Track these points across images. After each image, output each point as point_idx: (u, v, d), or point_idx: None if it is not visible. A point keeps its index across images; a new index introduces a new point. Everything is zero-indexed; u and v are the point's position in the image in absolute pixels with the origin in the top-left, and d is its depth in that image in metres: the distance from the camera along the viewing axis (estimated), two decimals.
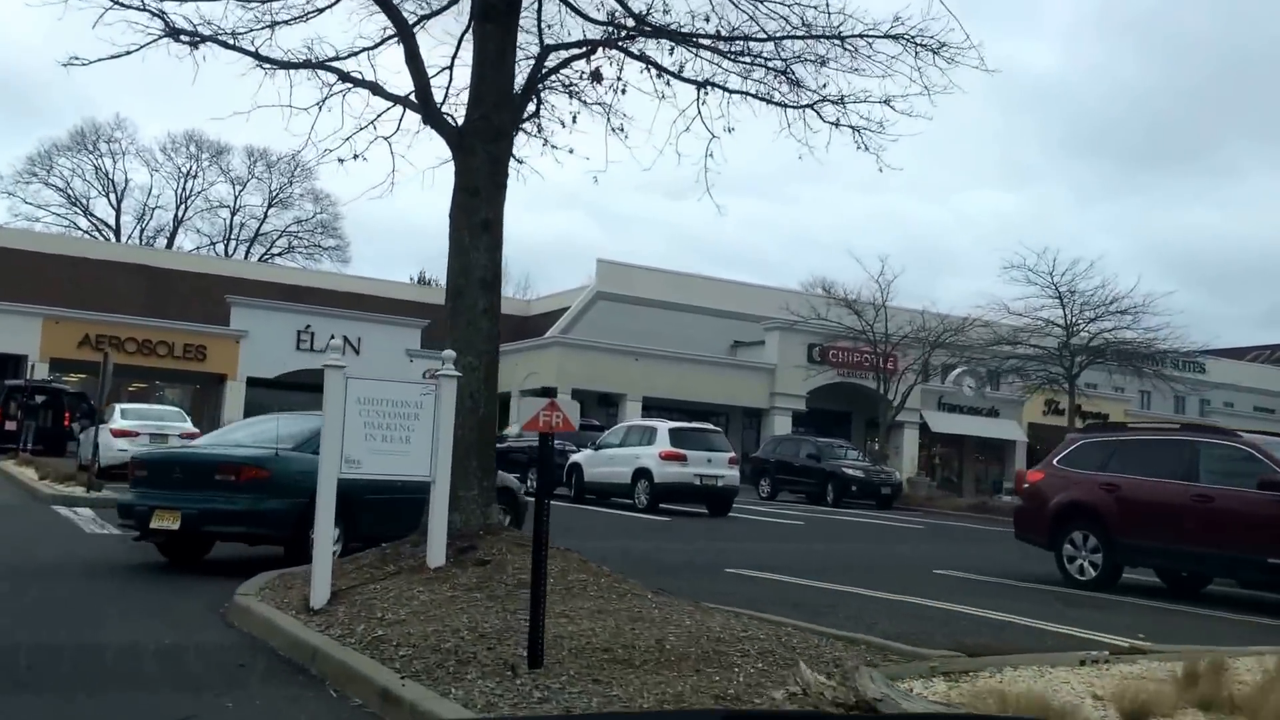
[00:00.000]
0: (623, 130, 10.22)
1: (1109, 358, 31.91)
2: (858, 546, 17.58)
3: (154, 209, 71.60)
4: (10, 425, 32.48)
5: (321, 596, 7.39)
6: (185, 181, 72.15)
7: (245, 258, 66.89)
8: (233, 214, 73.81)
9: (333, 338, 9.34)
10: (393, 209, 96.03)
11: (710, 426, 24.13)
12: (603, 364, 42.11)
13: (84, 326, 39.27)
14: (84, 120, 77.09)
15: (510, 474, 21.27)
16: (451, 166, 9.04)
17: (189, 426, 24.31)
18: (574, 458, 24.45)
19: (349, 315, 43.82)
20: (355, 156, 10.16)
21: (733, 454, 22.74)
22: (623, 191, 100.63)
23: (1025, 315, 30.50)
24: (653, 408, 41.98)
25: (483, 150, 8.80)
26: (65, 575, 10.02)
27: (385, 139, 10.13)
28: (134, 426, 23.09)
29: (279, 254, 70.37)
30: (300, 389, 44.00)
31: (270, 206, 73.83)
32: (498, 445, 21.35)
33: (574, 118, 10.16)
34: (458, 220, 8.86)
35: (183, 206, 71.96)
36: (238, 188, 73.10)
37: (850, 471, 29.18)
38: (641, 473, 21.82)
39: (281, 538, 10.23)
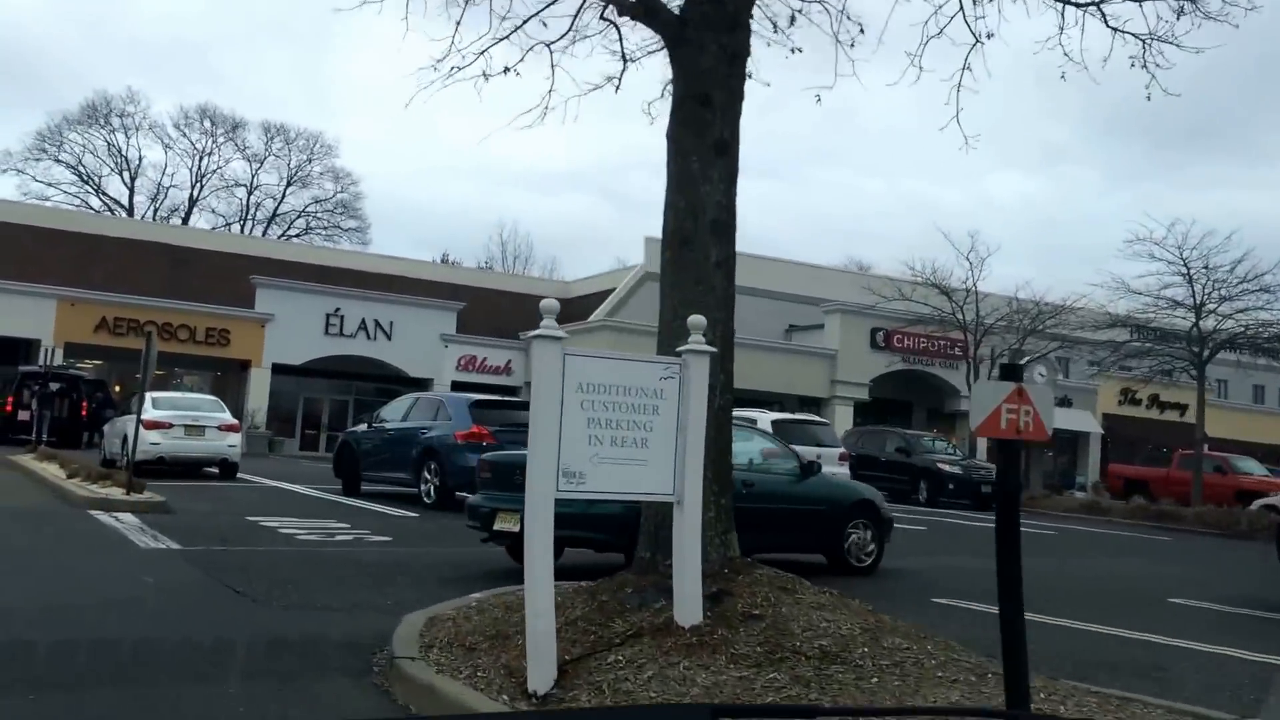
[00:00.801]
0: (851, 42, 7.89)
1: (1244, 344, 29.16)
2: (1028, 562, 15.18)
3: (168, 187, 69.34)
4: (24, 415, 30.35)
5: (545, 677, 5.09)
6: (200, 159, 70.07)
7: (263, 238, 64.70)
8: (249, 193, 71.51)
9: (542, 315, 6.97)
10: (412, 190, 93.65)
11: (816, 418, 21.81)
12: (651, 348, 39.79)
13: (101, 309, 37.05)
14: (95, 93, 74.67)
15: (381, 471, 18.02)
16: (636, 80, 6.76)
17: (227, 417, 22.07)
18: None
19: (380, 297, 41.54)
20: (506, 70, 7.84)
21: (843, 449, 20.44)
22: (635, 173, 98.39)
23: (1146, 294, 27.78)
24: None
25: (715, 45, 6.49)
26: (143, 615, 7.80)
27: (547, 45, 7.81)
28: (167, 417, 20.83)
29: (296, 235, 68.13)
30: (329, 376, 41.84)
31: (289, 185, 71.65)
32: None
33: (792, 18, 7.83)
34: (682, 142, 6.56)
35: (198, 185, 69.81)
36: (254, 165, 70.90)
37: (947, 468, 26.82)
38: None
39: (621, 545, 9.52)
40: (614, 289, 44.66)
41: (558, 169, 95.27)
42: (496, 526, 10.03)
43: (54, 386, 30.83)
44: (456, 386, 42.48)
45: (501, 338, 43.42)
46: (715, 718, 1.97)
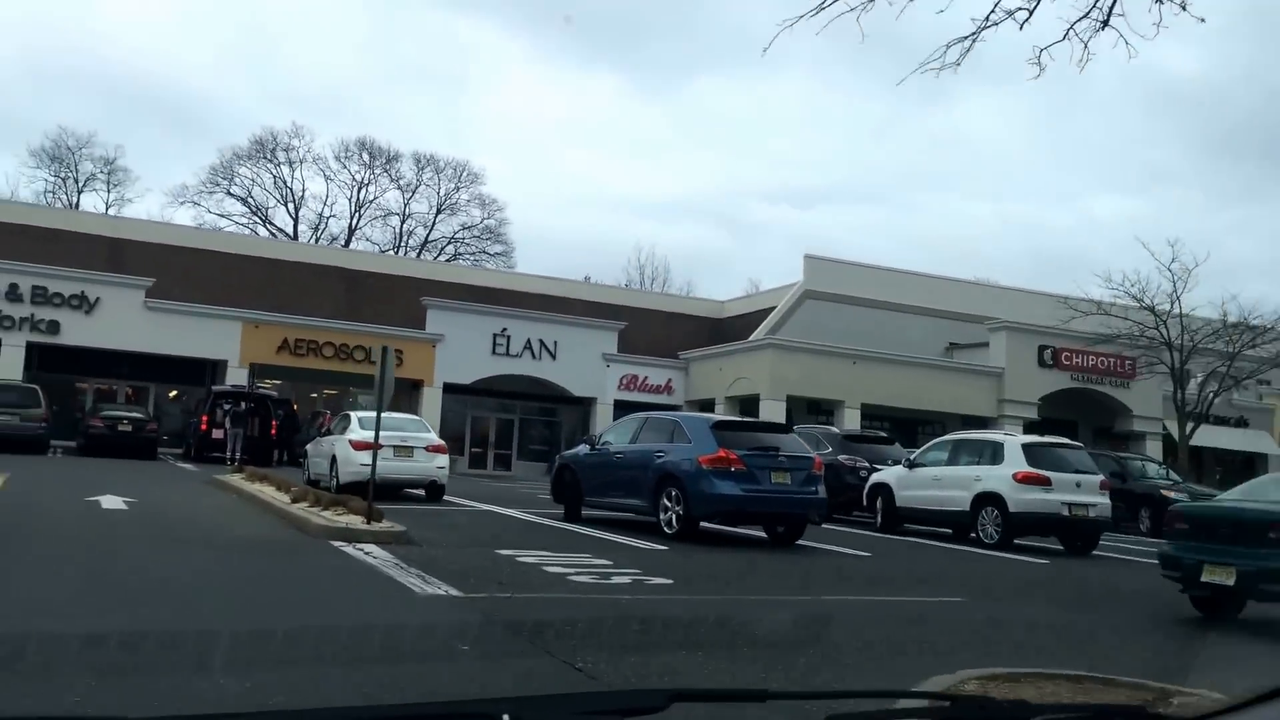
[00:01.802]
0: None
1: None
2: None
3: (328, 217, 69.39)
4: (218, 433, 29.19)
5: None
6: (359, 190, 69.85)
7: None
8: (402, 221, 71.20)
9: None
10: (557, 218, 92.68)
11: (1071, 441, 19.01)
12: (816, 367, 37.25)
13: (282, 330, 35.99)
14: (263, 129, 75.05)
15: (608, 496, 15.62)
16: None
17: (434, 437, 20.27)
18: (877, 477, 19.65)
19: (544, 317, 39.79)
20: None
21: (1103, 476, 17.65)
22: (748, 200, 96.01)
23: None
24: (871, 416, 37.03)
25: None
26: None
27: None
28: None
29: (446, 262, 67.37)
30: (494, 395, 40.18)
31: (439, 212, 71.06)
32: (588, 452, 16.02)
33: None
34: None
35: (357, 214, 69.65)
36: (407, 194, 70.49)
37: (1172, 494, 23.66)
38: (988, 498, 16.83)
39: None
40: (769, 308, 42.19)
41: (672, 198, 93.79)
42: (1205, 579, 9.74)
43: (245, 406, 29.65)
44: (619, 406, 40.47)
45: (660, 356, 41.33)
46: (671, 701, 1.93)
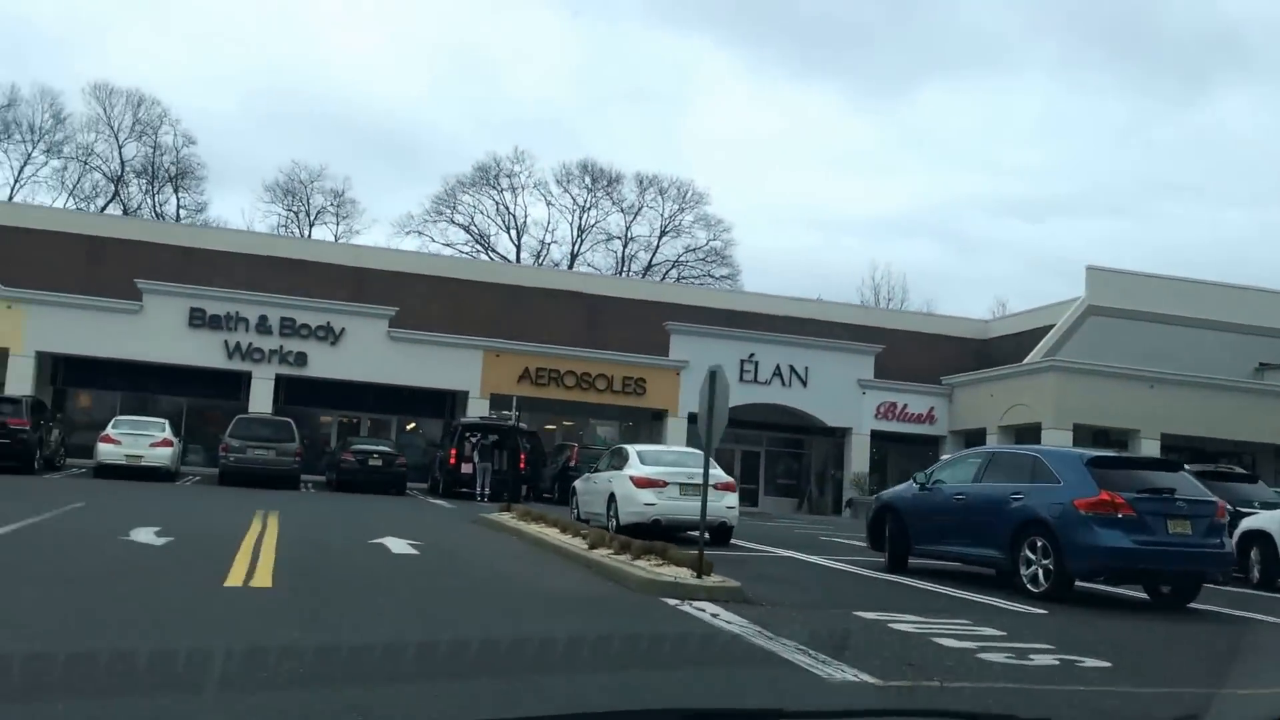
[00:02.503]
0: None
1: None
2: None
3: (549, 243, 69.91)
4: (466, 468, 28.68)
5: None
6: (581, 214, 70.12)
7: None
8: (624, 245, 70.99)
9: None
10: (773, 236, 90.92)
11: None
12: (1107, 392, 33.85)
13: (523, 359, 35.52)
14: (486, 154, 76.44)
15: (945, 544, 13.72)
16: None
17: (722, 474, 18.67)
18: (1251, 523, 16.80)
19: (793, 341, 37.90)
20: None
21: None
22: (970, 214, 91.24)
23: None
24: (1171, 447, 33.35)
25: None
26: None
27: None
28: (659, 474, 17.65)
29: (685, 284, 66.58)
30: (740, 425, 38.51)
31: (662, 235, 70.47)
32: None
33: None
34: None
35: (579, 239, 69.91)
36: (628, 217, 70.24)
37: None
38: None
39: None
40: (1044, 326, 38.89)
41: (887, 212, 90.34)
42: None
43: (490, 438, 29.07)
44: (877, 437, 38.20)
45: (920, 382, 38.73)
46: None
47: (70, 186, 60.95)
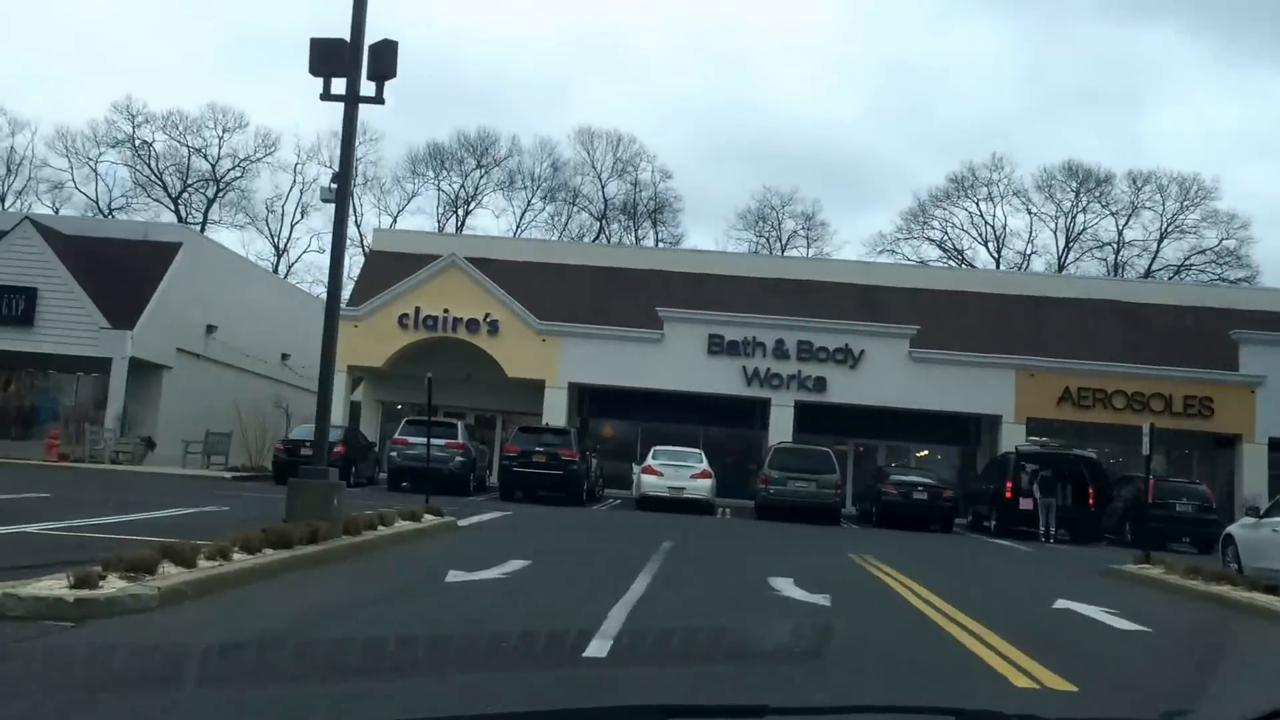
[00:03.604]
0: None
1: None
2: None
3: (1030, 254, 65.39)
4: (1026, 504, 25.93)
5: None
6: (1065, 219, 64.97)
7: None
8: (1116, 251, 64.88)
9: None
10: None
11: None
12: None
13: (1062, 378, 32.20)
14: (960, 164, 72.94)
15: None
16: None
17: None
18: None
19: None
20: None
21: None
22: None
23: None
24: None
25: None
26: None
27: None
28: None
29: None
30: None
31: (1162, 238, 63.67)
32: None
33: None
34: None
35: (1067, 249, 64.80)
36: (1120, 220, 64.17)
37: None
38: None
39: None
40: None
41: None
42: None
43: (1053, 470, 26.07)
44: None
45: None
46: (667, 718, 2.07)
47: (560, 227, 65.16)
